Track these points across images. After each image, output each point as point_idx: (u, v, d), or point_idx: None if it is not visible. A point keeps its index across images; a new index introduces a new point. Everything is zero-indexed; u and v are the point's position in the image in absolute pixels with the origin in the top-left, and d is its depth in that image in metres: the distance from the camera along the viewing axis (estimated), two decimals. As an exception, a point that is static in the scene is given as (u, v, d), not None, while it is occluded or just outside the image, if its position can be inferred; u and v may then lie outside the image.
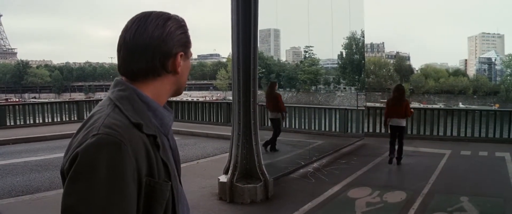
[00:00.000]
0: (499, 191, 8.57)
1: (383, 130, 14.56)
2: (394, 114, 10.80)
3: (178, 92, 1.74)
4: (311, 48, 15.79)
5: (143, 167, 1.42)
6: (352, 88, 17.66)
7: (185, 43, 1.65)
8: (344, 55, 18.04)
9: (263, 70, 15.15)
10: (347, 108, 15.10)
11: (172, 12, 1.70)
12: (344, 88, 17.09)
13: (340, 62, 17.82)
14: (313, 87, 20.23)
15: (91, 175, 1.31)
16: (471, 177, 9.79)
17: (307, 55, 17.90)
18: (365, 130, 15.90)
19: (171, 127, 1.72)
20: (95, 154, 1.33)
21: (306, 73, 18.77)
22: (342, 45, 16.53)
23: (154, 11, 1.62)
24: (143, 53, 1.55)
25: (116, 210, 1.33)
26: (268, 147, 11.15)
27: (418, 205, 7.56)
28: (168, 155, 1.60)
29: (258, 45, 7.98)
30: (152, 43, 1.55)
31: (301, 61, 19.85)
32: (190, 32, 1.70)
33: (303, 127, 16.23)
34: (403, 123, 10.89)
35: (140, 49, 1.55)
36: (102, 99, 1.63)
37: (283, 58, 21.94)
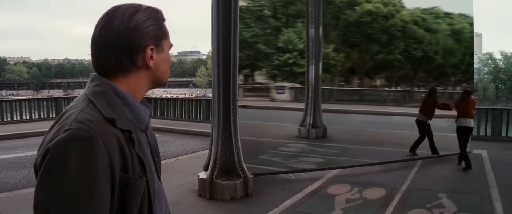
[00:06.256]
0: (476, 188, 8.67)
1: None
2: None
3: (158, 85, 1.70)
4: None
5: (116, 162, 1.41)
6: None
7: (157, 35, 1.59)
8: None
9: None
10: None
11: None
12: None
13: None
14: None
15: (61, 170, 1.30)
16: (449, 174, 9.88)
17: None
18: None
19: (150, 123, 1.70)
20: (66, 149, 1.32)
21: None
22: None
23: (124, 4, 1.58)
24: (109, 49, 1.53)
25: (87, 206, 1.31)
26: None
27: (397, 201, 7.62)
28: (144, 150, 1.57)
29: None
30: (117, 39, 1.51)
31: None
32: (170, 29, 1.65)
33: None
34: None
35: (106, 45, 1.53)
36: None
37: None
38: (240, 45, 7.97)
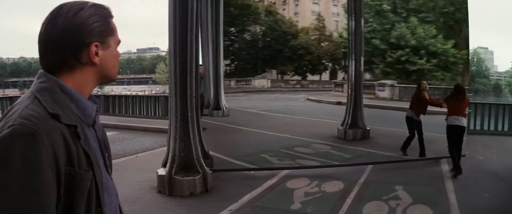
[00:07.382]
0: (431, 180, 8.91)
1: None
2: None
3: (107, 81, 1.73)
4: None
5: (61, 157, 1.43)
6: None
7: (102, 32, 1.62)
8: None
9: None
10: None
11: (110, 4, 1.67)
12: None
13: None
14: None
15: (6, 166, 1.32)
16: (406, 166, 10.07)
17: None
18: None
19: (98, 118, 1.72)
20: (10, 145, 1.34)
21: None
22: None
23: (70, 2, 1.60)
24: (54, 46, 1.55)
25: (33, 200, 1.34)
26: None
27: (355, 194, 7.77)
28: (90, 145, 1.59)
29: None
30: (61, 36, 1.54)
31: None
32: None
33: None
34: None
35: (51, 42, 1.55)
36: None
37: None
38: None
